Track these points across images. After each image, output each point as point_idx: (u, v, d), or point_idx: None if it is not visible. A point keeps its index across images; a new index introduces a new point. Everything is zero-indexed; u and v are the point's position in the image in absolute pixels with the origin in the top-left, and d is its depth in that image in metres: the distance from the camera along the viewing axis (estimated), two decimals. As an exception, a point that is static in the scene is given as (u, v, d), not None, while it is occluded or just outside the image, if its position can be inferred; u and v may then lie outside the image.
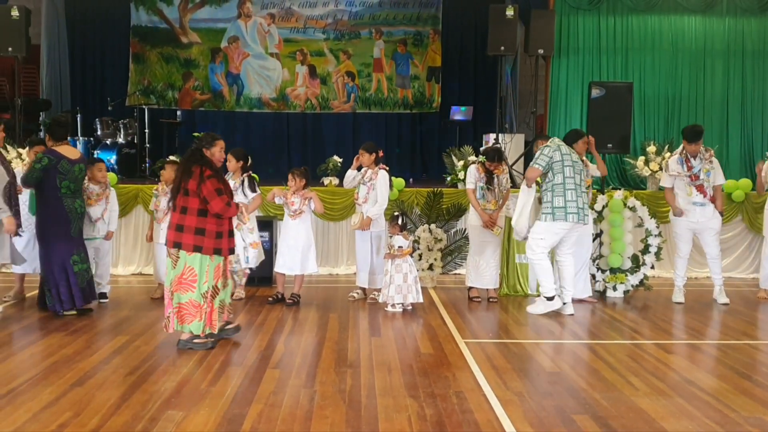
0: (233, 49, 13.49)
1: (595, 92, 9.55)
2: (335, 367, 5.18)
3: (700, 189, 7.52)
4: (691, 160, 7.53)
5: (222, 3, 13.42)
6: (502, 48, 10.31)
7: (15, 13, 10.38)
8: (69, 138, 10.69)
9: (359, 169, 7.66)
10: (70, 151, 6.80)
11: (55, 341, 5.80)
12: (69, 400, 4.37)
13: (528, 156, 9.58)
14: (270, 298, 7.46)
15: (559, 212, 6.87)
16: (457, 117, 12.58)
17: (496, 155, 7.59)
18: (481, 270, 7.58)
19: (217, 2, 13.42)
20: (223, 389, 4.61)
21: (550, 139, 7.23)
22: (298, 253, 7.33)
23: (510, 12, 10.23)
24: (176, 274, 5.55)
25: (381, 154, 7.63)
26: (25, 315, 6.74)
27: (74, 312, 6.66)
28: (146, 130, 11.73)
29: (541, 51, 10.42)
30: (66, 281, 6.64)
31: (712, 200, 7.58)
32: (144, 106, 11.97)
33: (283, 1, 13.45)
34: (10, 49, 10.49)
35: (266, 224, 8.50)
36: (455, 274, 8.97)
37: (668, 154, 9.64)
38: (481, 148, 8.87)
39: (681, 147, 7.67)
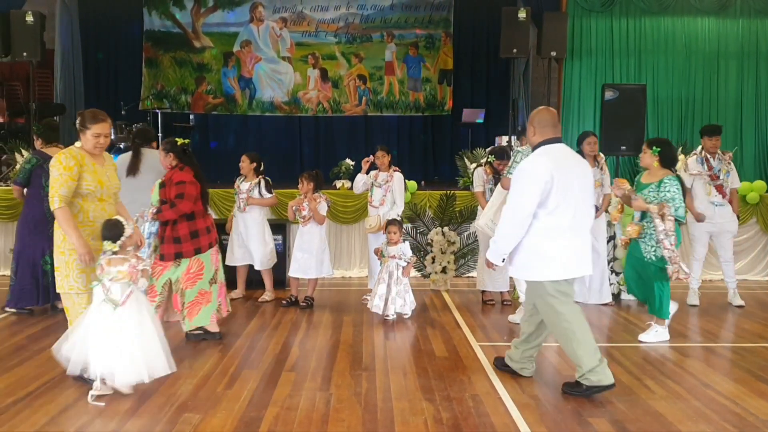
0: (245, 53, 13.54)
1: (609, 94, 9.53)
2: (350, 370, 5.19)
3: (719, 189, 7.51)
4: (711, 159, 7.52)
5: (234, 7, 13.49)
6: (515, 50, 10.31)
7: (30, 18, 10.45)
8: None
9: (368, 172, 7.69)
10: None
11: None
12: (87, 403, 4.39)
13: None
14: (284, 302, 7.48)
15: None
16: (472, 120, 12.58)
17: (504, 153, 7.58)
18: (493, 273, 7.56)
19: (230, 6, 13.49)
20: (239, 392, 4.63)
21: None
22: (312, 257, 7.35)
23: (522, 14, 10.22)
24: None
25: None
26: (41, 318, 6.78)
27: (28, 310, 6.93)
28: (159, 134, 11.78)
29: (553, 53, 10.41)
30: (32, 279, 6.83)
31: (729, 201, 7.57)
32: (157, 110, 12.04)
33: (294, 5, 13.49)
34: (25, 53, 10.56)
35: (279, 227, 8.53)
36: (468, 276, 8.95)
37: (682, 156, 9.61)
38: (488, 149, 8.88)
39: (699, 148, 7.66)
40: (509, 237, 4.63)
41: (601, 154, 7.63)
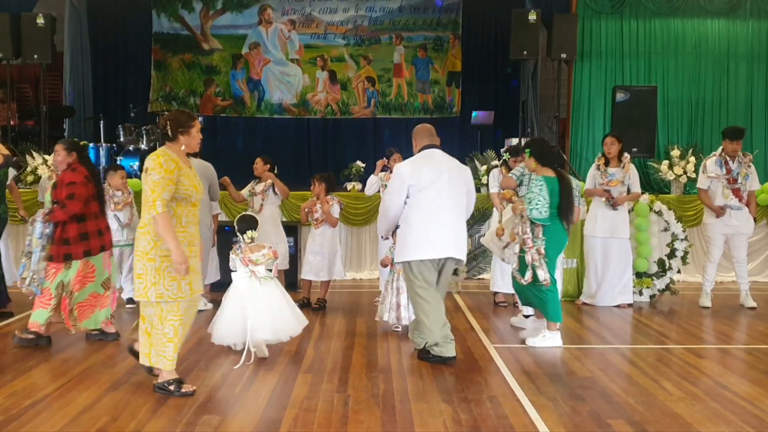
0: (254, 55, 13.56)
1: (620, 96, 9.54)
2: (366, 371, 5.19)
3: (737, 193, 7.47)
4: (730, 162, 7.48)
5: (243, 10, 13.52)
6: (525, 52, 10.32)
7: (40, 20, 10.48)
8: (91, 144, 10.98)
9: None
10: None
11: (86, 346, 5.87)
12: (105, 404, 4.41)
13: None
14: (297, 303, 7.46)
15: None
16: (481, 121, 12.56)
17: (519, 151, 7.59)
18: (507, 274, 7.54)
19: (238, 9, 13.52)
20: (257, 394, 4.64)
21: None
22: (325, 259, 7.37)
23: (532, 16, 10.22)
24: None
25: None
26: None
27: None
28: (168, 137, 11.78)
29: (563, 55, 10.41)
30: None
31: (746, 204, 7.53)
32: (166, 113, 12.02)
33: (303, 8, 13.52)
34: (35, 56, 10.60)
35: (291, 229, 8.53)
36: (479, 279, 8.97)
37: (692, 158, 9.60)
38: (503, 149, 8.88)
39: (720, 149, 7.61)
40: (384, 225, 5.79)
41: (627, 155, 7.61)
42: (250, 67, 13.60)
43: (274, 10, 13.52)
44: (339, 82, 13.65)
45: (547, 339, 5.99)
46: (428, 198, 5.43)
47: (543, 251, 5.80)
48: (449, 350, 5.44)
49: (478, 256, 8.73)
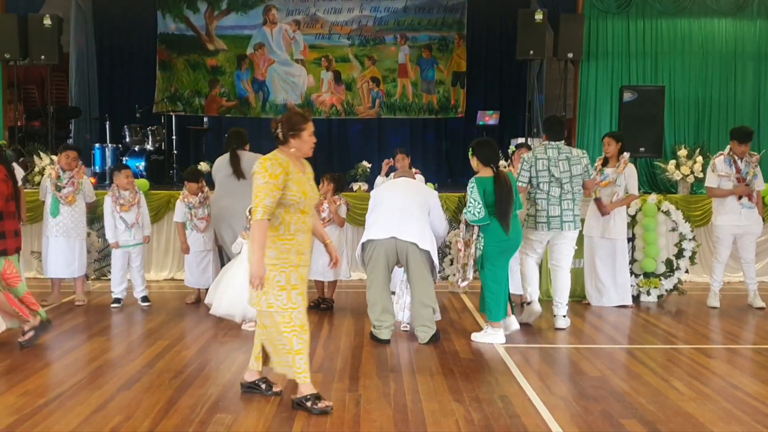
0: (259, 55, 13.56)
1: (627, 96, 9.53)
2: (377, 371, 5.19)
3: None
4: (738, 162, 7.47)
5: (248, 10, 13.50)
6: (531, 52, 10.33)
7: (48, 21, 10.50)
8: (97, 145, 11.00)
9: (387, 174, 7.71)
10: None
11: (96, 346, 5.87)
12: (118, 403, 4.42)
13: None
14: (311, 303, 7.47)
15: (530, 220, 6.66)
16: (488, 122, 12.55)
17: (525, 147, 7.59)
18: (515, 274, 7.53)
19: (243, 9, 13.51)
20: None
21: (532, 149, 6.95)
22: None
23: (539, 16, 10.23)
24: None
25: None
26: (65, 320, 6.78)
27: None
28: (174, 137, 11.81)
29: (570, 55, 10.42)
30: None
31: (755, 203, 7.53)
32: (171, 113, 12.06)
33: (308, 8, 13.51)
34: (42, 57, 10.61)
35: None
36: (486, 278, 8.94)
37: (699, 158, 9.58)
38: (516, 144, 8.89)
39: (727, 149, 7.59)
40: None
41: (625, 155, 7.56)
42: (255, 68, 13.60)
43: (279, 10, 13.51)
44: (344, 82, 13.65)
45: (489, 335, 6.11)
46: (384, 203, 6.23)
47: (479, 251, 6.05)
48: (382, 334, 6.04)
49: (485, 256, 8.71)
